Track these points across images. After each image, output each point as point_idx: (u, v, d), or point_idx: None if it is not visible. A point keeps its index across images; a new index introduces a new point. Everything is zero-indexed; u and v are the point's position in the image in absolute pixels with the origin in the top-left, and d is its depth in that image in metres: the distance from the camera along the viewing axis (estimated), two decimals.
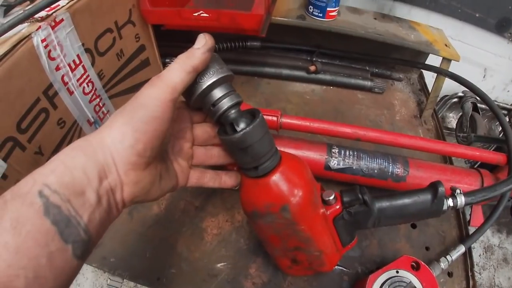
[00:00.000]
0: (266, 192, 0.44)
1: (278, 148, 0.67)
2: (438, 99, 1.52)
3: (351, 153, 0.67)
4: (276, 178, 0.44)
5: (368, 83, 0.99)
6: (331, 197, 0.49)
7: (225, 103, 0.41)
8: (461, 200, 0.52)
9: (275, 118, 0.63)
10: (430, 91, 0.94)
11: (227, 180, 0.51)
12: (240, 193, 0.48)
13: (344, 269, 0.65)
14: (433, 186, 0.50)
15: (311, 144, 0.68)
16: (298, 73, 1.00)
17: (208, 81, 0.40)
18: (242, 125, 0.42)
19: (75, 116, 0.60)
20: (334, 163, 0.66)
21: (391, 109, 0.97)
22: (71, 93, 0.58)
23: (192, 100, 0.41)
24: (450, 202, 0.51)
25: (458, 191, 0.53)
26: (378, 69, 1.04)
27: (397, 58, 1.03)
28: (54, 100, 0.54)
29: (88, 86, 0.62)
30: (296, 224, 0.46)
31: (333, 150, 0.67)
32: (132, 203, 0.38)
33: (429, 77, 0.99)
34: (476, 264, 1.67)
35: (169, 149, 0.45)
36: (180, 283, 0.62)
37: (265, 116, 0.62)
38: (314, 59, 0.99)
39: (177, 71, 0.37)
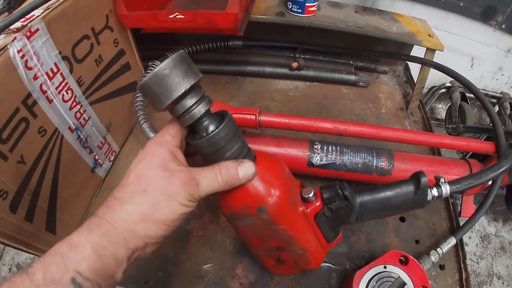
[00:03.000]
0: (241, 193, 0.43)
1: (259, 147, 0.67)
2: (426, 90, 1.52)
3: (333, 148, 0.66)
4: None
5: (352, 77, 0.98)
6: (311, 195, 0.48)
7: (197, 112, 0.39)
8: (446, 189, 0.50)
9: (253, 117, 0.61)
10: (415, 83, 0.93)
11: None
12: (218, 196, 0.47)
13: (332, 265, 0.64)
14: (415, 177, 0.49)
15: (293, 141, 0.67)
16: (281, 71, 0.99)
17: (179, 89, 0.37)
18: (211, 128, 0.41)
19: (55, 124, 0.60)
20: (316, 159, 0.65)
21: (376, 102, 0.96)
22: (50, 101, 0.57)
23: (160, 108, 0.39)
24: (434, 191, 0.50)
25: (442, 180, 0.51)
26: (362, 63, 1.03)
27: (380, 50, 1.02)
28: (34, 109, 0.54)
29: (67, 93, 0.61)
30: (275, 224, 0.45)
31: (315, 146, 0.66)
32: None
33: (415, 69, 0.98)
34: (474, 254, 1.67)
35: None
36: (167, 285, 0.62)
37: (243, 115, 0.62)
38: (297, 55, 0.98)
39: (211, 180, 0.40)
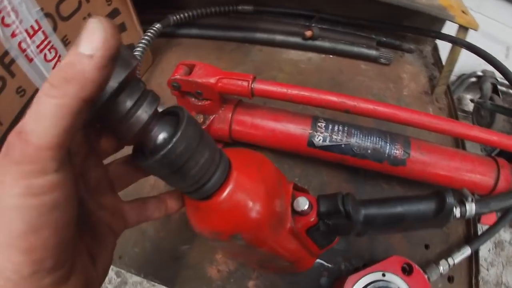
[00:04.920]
0: (211, 219, 0.33)
1: (254, 120, 0.58)
2: (455, 77, 1.42)
3: (340, 128, 0.57)
4: (222, 201, 0.32)
5: (373, 52, 0.87)
6: (305, 207, 0.39)
7: (141, 117, 0.27)
8: (471, 209, 0.42)
9: (245, 83, 0.52)
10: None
11: (173, 204, 0.38)
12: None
13: (325, 263, 0.56)
14: (440, 196, 0.40)
15: (293, 116, 0.58)
16: (293, 39, 0.88)
17: (107, 88, 0.24)
18: (164, 136, 0.28)
19: (36, 85, 0.58)
20: (319, 139, 0.56)
21: (398, 83, 0.86)
22: (30, 60, 0.56)
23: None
24: (457, 212, 0.42)
25: (470, 198, 0.43)
26: (385, 38, 0.92)
27: (407, 25, 0.91)
28: (11, 68, 0.53)
29: (50, 52, 0.59)
30: (254, 247, 0.36)
31: (319, 124, 0.57)
32: None
33: (445, 52, 0.87)
34: (485, 260, 1.60)
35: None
36: (142, 263, 0.58)
37: (234, 81, 0.53)
38: (312, 24, 0.88)
39: (51, 122, 0.20)
